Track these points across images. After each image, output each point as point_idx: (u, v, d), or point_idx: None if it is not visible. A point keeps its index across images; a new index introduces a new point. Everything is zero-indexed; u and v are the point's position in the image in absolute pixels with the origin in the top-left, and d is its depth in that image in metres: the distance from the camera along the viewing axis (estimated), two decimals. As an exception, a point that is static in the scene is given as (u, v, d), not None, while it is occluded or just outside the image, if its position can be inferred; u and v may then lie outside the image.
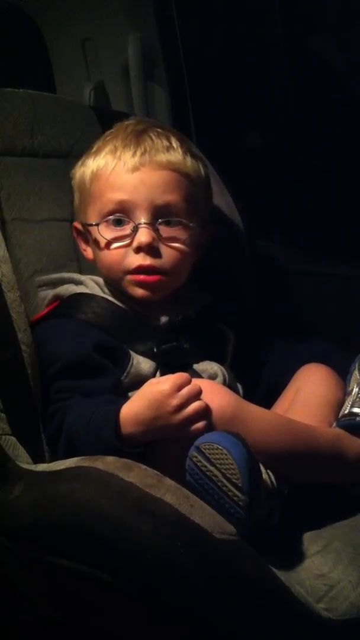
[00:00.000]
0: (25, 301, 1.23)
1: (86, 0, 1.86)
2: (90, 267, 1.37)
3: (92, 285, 1.30)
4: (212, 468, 1.02)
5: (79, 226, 1.34)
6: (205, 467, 1.03)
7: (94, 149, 1.32)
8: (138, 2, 1.86)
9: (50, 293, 1.32)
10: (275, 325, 1.53)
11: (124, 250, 1.26)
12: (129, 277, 1.26)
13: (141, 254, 1.25)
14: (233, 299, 1.49)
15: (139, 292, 1.26)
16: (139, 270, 1.25)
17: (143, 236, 1.24)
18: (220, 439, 1.03)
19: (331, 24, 2.08)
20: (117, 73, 1.92)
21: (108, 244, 1.27)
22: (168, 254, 1.26)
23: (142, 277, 1.25)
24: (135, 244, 1.25)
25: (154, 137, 1.29)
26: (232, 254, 1.57)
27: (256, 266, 1.59)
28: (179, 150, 1.29)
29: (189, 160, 1.30)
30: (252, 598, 0.97)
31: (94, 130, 1.46)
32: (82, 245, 1.35)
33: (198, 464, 1.03)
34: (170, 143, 1.29)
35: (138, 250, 1.25)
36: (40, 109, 1.45)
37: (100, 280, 1.31)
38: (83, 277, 1.32)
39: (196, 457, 1.03)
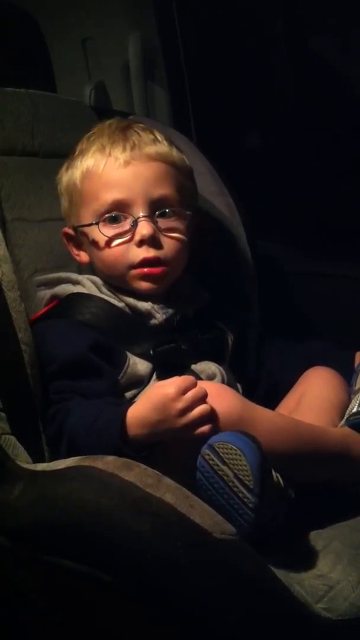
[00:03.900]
0: (25, 301, 1.23)
1: (87, 0, 1.86)
2: (89, 268, 1.37)
3: (89, 285, 1.30)
4: (224, 467, 1.02)
5: (70, 231, 1.33)
6: (217, 465, 1.03)
7: (77, 151, 1.32)
8: (138, 2, 1.86)
9: (48, 293, 1.32)
10: (275, 325, 1.53)
11: (126, 245, 1.26)
12: (134, 271, 1.26)
13: (144, 247, 1.25)
14: (233, 299, 1.49)
15: (144, 285, 1.26)
16: (144, 263, 1.25)
17: (144, 229, 1.24)
18: (235, 439, 1.03)
19: (331, 24, 2.08)
20: (118, 73, 1.93)
21: (109, 241, 1.26)
22: (169, 244, 1.27)
23: (146, 269, 1.25)
24: (137, 237, 1.25)
25: (139, 131, 1.30)
26: (232, 254, 1.56)
27: (256, 266, 1.59)
28: (164, 142, 1.31)
29: (174, 151, 1.31)
30: (252, 598, 0.97)
31: (94, 130, 1.46)
32: (75, 251, 1.34)
33: (210, 462, 1.03)
34: (155, 136, 1.31)
35: (141, 243, 1.25)
36: (40, 108, 1.45)
37: (98, 280, 1.31)
38: (80, 277, 1.32)
39: (209, 455, 1.03)
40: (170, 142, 1.32)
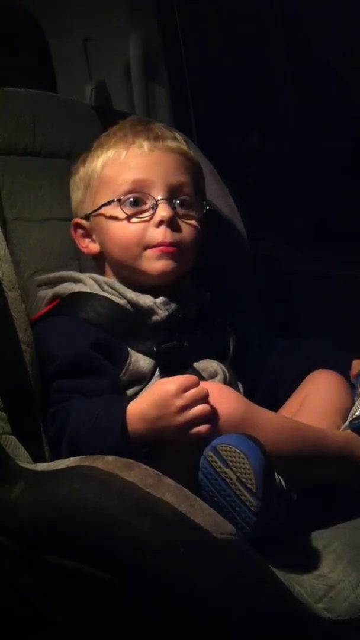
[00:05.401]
0: (25, 300, 1.23)
1: (88, 0, 1.86)
2: (91, 268, 1.37)
3: (91, 283, 1.30)
4: (227, 470, 1.02)
5: (81, 220, 1.33)
6: (220, 468, 1.03)
7: (95, 145, 1.33)
8: (139, 1, 1.86)
9: (49, 292, 1.32)
10: (275, 325, 1.53)
11: (144, 225, 1.27)
12: (149, 251, 1.26)
13: (162, 228, 1.26)
14: (233, 298, 1.49)
15: (158, 265, 1.26)
16: (160, 245, 1.26)
17: (164, 211, 1.26)
18: (239, 442, 1.03)
19: (332, 23, 2.08)
20: (119, 73, 1.93)
21: (128, 218, 1.27)
22: (185, 229, 1.28)
23: (162, 248, 1.26)
24: (157, 218, 1.26)
25: (161, 127, 1.34)
26: (232, 254, 1.57)
27: (256, 266, 1.59)
28: (183, 141, 1.34)
29: (192, 152, 1.35)
30: (252, 598, 0.97)
31: (95, 129, 1.46)
32: (83, 242, 1.34)
33: (213, 464, 1.03)
34: (175, 135, 1.34)
35: (159, 224, 1.26)
36: (41, 108, 1.45)
37: (100, 278, 1.31)
38: (82, 276, 1.32)
39: (212, 457, 1.03)
40: (188, 144, 1.35)
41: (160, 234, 1.26)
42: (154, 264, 1.27)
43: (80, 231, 1.34)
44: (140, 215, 1.27)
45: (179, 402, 1.06)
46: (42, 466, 1.09)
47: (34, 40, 1.54)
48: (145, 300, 1.27)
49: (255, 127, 2.16)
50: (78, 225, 1.34)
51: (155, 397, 1.08)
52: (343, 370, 1.33)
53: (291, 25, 2.04)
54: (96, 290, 1.29)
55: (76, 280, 1.32)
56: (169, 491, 0.99)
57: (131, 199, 1.27)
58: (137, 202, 1.27)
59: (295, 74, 2.07)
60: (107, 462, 1.02)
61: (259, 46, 2.07)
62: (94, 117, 1.53)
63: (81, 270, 1.38)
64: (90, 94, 1.91)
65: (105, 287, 1.30)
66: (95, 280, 1.31)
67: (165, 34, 1.86)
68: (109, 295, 1.28)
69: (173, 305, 1.29)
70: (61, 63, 1.72)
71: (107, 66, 1.94)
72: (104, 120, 1.49)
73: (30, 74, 1.50)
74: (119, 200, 1.27)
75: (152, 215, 1.26)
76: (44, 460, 1.14)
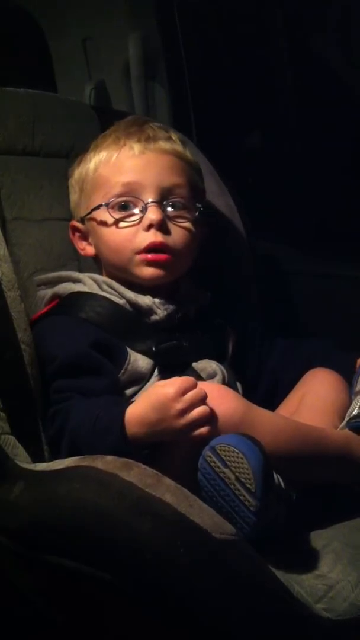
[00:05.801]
0: (25, 300, 1.23)
1: (87, 0, 1.86)
2: (90, 267, 1.37)
3: (90, 283, 1.30)
4: (226, 470, 1.02)
5: (77, 223, 1.34)
6: (219, 468, 1.03)
7: (92, 147, 1.33)
8: (139, 1, 1.86)
9: (48, 292, 1.32)
10: (275, 325, 1.53)
11: (134, 229, 1.26)
12: (139, 256, 1.26)
13: (152, 231, 1.25)
14: (233, 298, 1.49)
15: (148, 272, 1.26)
16: (150, 248, 1.25)
17: (153, 214, 1.25)
18: (237, 442, 1.02)
19: (332, 23, 2.08)
20: (118, 72, 1.93)
21: (117, 223, 1.27)
22: (176, 232, 1.27)
23: (151, 255, 1.25)
24: (146, 222, 1.25)
25: (155, 127, 1.33)
26: (232, 254, 1.57)
27: (256, 266, 1.59)
28: (178, 142, 1.33)
29: (188, 152, 1.34)
30: (252, 598, 0.97)
31: (94, 129, 1.46)
32: (81, 244, 1.35)
33: (212, 464, 1.03)
34: (170, 135, 1.33)
35: (149, 227, 1.25)
36: (41, 108, 1.45)
37: (99, 278, 1.31)
38: (81, 276, 1.32)
39: (210, 457, 1.03)
40: (184, 144, 1.34)
41: (150, 236, 1.25)
42: (144, 270, 1.26)
43: (77, 233, 1.35)
44: (130, 219, 1.27)
45: (179, 405, 1.05)
46: (41, 466, 1.09)
47: (34, 40, 1.54)
48: (145, 300, 1.27)
49: (255, 127, 2.16)
50: (75, 228, 1.34)
51: (154, 400, 1.07)
52: (343, 370, 1.33)
53: (291, 25, 2.04)
54: (95, 290, 1.29)
55: (75, 280, 1.32)
56: (168, 491, 0.99)
57: (120, 203, 1.27)
58: (126, 206, 1.27)
59: (295, 74, 2.06)
60: (107, 462, 1.02)
61: (259, 46, 2.07)
62: (93, 117, 1.53)
63: (80, 270, 1.38)
64: (90, 94, 1.91)
65: (105, 287, 1.30)
66: (94, 280, 1.31)
67: (165, 34, 1.86)
68: (108, 295, 1.28)
69: (172, 305, 1.29)
70: (61, 63, 1.72)
71: (106, 66, 1.94)
72: (103, 120, 1.49)
73: (30, 74, 1.50)
74: (107, 204, 1.27)
75: (142, 218, 1.26)
76: (43, 460, 1.14)
